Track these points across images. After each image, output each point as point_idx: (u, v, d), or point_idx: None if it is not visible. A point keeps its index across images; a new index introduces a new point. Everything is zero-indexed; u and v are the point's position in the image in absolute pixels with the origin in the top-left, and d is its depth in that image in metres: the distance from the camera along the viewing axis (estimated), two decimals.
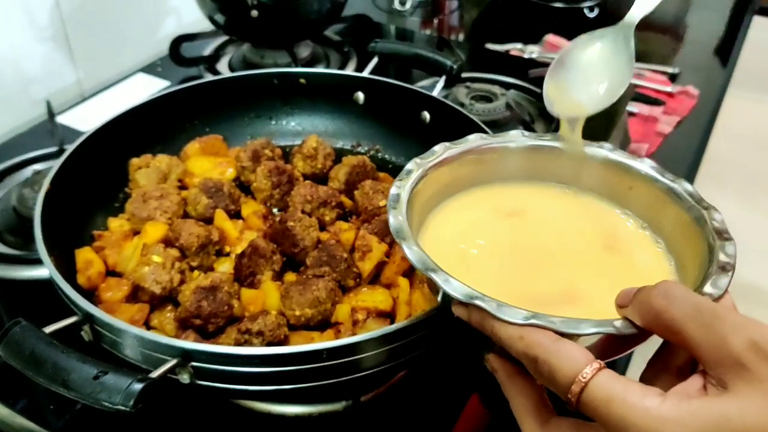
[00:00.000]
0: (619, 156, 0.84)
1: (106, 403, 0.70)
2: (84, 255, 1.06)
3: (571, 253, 0.78)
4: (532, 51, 2.14)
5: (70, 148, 1.13)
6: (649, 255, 0.78)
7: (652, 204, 0.80)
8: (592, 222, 0.83)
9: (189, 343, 0.80)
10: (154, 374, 0.75)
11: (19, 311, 1.12)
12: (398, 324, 0.82)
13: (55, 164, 1.09)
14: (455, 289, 0.62)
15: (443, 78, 1.33)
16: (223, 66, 1.82)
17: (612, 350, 0.65)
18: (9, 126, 1.62)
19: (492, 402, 1.06)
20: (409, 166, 0.81)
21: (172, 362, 0.78)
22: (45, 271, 0.92)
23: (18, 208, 1.31)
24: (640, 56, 2.18)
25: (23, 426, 1.01)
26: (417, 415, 1.03)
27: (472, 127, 1.23)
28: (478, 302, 0.60)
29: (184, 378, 0.81)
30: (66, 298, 0.86)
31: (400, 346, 0.84)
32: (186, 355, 0.80)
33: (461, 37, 2.34)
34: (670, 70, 2.04)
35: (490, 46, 2.15)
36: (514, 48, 2.16)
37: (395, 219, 0.73)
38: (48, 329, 0.81)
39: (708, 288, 0.63)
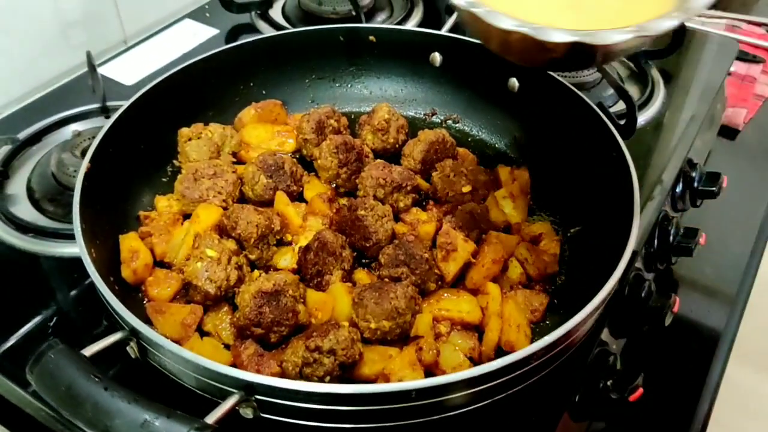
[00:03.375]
0: None
1: None
2: (129, 243, 0.93)
3: None
4: None
5: (111, 119, 0.99)
6: None
7: None
8: None
9: (254, 376, 0.67)
10: (213, 417, 0.63)
11: (60, 292, 1.02)
12: (504, 360, 0.68)
13: (96, 138, 0.96)
14: None
15: None
16: (276, 12, 1.65)
17: None
18: (49, 74, 1.48)
19: (582, 416, 0.93)
20: None
21: (234, 398, 0.66)
22: None
23: (57, 174, 1.18)
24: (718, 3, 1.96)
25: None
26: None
27: (567, 96, 1.06)
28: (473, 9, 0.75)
29: (247, 413, 0.69)
30: (112, 311, 0.74)
31: (503, 382, 0.70)
32: (250, 389, 0.67)
33: None
34: None
35: None
36: None
37: None
38: (89, 350, 0.69)
39: None
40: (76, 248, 1.04)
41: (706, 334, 1.16)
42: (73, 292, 1.00)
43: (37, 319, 0.97)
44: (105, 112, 1.32)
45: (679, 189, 1.28)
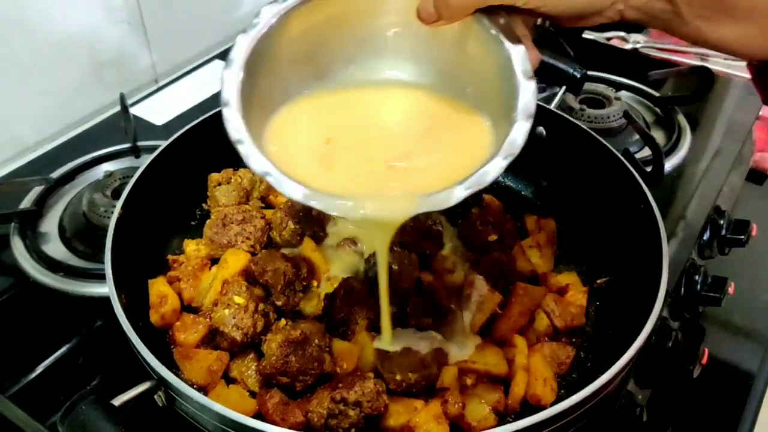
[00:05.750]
0: None
1: None
2: (158, 288, 0.94)
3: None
4: (637, 41, 1.92)
5: (142, 166, 1.01)
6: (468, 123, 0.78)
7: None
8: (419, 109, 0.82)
9: (280, 430, 0.67)
10: None
11: (88, 331, 1.03)
12: (532, 419, 0.68)
13: (127, 185, 0.98)
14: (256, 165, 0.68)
15: (563, 88, 1.16)
16: None
17: None
18: (82, 113, 1.52)
19: None
20: None
21: None
22: None
23: (88, 214, 1.20)
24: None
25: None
26: None
27: (593, 145, 1.07)
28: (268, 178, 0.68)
29: None
30: (143, 360, 0.75)
31: None
32: None
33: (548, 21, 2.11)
34: None
35: (588, 34, 1.93)
36: (616, 36, 1.95)
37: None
38: (119, 400, 0.69)
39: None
40: (105, 288, 1.05)
41: (736, 382, 1.14)
42: (100, 332, 1.01)
43: (64, 358, 0.98)
44: (135, 152, 1.35)
45: (706, 236, 1.26)
